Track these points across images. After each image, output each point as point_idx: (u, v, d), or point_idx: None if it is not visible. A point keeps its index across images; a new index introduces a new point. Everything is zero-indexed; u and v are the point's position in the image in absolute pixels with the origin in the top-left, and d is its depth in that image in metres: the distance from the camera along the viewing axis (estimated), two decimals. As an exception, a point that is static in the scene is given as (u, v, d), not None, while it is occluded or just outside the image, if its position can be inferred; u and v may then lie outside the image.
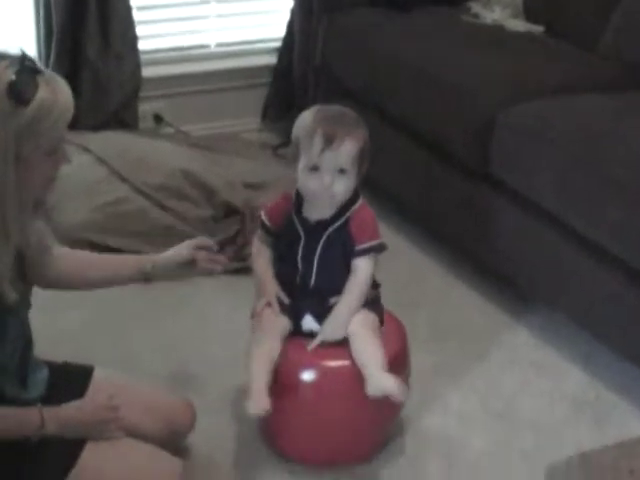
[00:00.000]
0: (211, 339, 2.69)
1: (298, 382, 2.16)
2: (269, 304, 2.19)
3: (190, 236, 3.00)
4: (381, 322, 2.25)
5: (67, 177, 2.86)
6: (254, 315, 2.22)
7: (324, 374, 2.17)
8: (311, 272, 2.21)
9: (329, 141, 2.10)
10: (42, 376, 1.96)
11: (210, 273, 2.26)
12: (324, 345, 2.18)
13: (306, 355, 2.17)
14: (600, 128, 2.66)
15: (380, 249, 2.21)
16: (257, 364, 2.11)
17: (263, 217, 2.28)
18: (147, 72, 3.65)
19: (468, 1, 3.66)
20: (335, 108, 2.22)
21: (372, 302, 2.23)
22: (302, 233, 2.20)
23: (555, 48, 3.29)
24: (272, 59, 3.91)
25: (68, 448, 1.84)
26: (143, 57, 3.62)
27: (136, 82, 3.61)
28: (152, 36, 3.73)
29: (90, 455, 1.84)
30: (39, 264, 1.92)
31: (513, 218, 2.83)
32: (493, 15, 3.50)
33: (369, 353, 2.12)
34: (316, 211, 2.20)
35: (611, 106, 2.80)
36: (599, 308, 2.60)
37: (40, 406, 1.82)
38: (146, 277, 2.13)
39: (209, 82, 3.81)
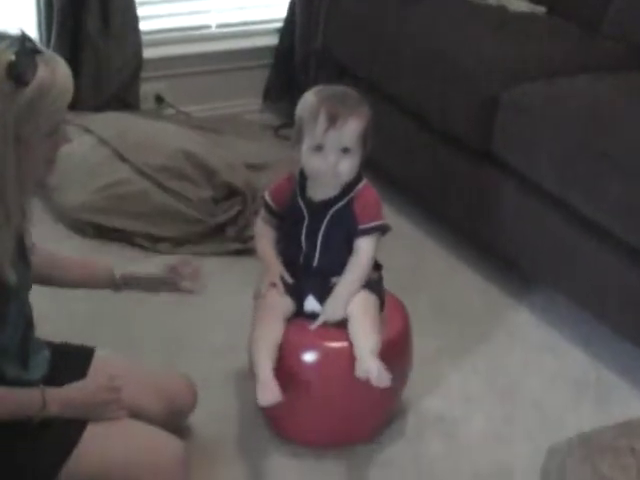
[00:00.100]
0: (213, 320, 2.68)
1: (300, 364, 2.16)
2: (273, 284, 2.19)
3: (191, 217, 3.04)
4: (382, 304, 2.24)
5: (68, 158, 2.88)
6: (257, 296, 2.22)
7: (326, 355, 2.17)
8: (314, 252, 2.20)
9: (333, 120, 2.09)
10: (43, 357, 1.96)
11: (190, 292, 2.16)
12: (326, 326, 2.18)
13: (307, 336, 2.17)
14: (603, 108, 2.65)
15: (383, 230, 2.21)
16: (262, 350, 2.10)
17: (267, 198, 2.28)
18: (148, 53, 3.64)
19: (471, -19, 3.64)
20: (338, 88, 2.22)
21: (373, 283, 2.22)
22: (306, 213, 2.20)
23: (558, 28, 3.27)
24: (273, 40, 3.89)
25: (70, 429, 1.84)
26: (144, 38, 3.60)
27: (137, 63, 3.60)
28: (153, 17, 3.71)
29: (92, 436, 1.84)
30: None
31: (516, 200, 2.83)
32: (496, -5, 3.47)
33: (361, 335, 2.12)
34: (320, 191, 2.19)
35: (614, 86, 2.79)
36: (601, 289, 2.59)
37: (42, 387, 1.82)
38: (115, 287, 2.11)
39: (210, 63, 3.80)
